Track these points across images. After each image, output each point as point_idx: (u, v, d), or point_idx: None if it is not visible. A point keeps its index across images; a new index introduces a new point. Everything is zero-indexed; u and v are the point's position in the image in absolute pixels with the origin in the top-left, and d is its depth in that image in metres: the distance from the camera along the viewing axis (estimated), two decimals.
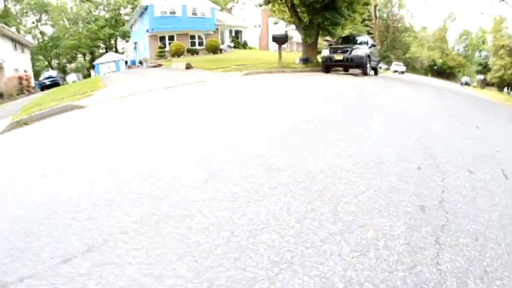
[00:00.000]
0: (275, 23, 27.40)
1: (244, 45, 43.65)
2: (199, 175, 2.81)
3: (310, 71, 16.70)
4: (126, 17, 59.82)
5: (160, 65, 26.67)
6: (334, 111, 5.63)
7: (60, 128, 6.85)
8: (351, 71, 17.77)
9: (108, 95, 10.79)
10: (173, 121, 5.34)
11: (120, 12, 65.20)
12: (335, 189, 2.46)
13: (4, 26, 33.88)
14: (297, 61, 19.85)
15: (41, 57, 61.72)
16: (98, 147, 4.45)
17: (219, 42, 39.05)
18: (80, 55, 66.03)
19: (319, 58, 18.67)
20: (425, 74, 71.88)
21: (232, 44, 42.34)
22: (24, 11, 61.52)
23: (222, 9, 47.41)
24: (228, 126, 4.57)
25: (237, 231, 2.03)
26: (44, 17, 63.34)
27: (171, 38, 37.79)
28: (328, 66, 16.61)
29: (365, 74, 15.90)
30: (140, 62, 35.56)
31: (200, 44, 39.27)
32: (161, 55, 34.80)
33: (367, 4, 23.48)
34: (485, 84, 59.51)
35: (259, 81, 11.11)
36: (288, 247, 1.87)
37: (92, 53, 65.80)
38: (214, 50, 35.57)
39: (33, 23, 63.78)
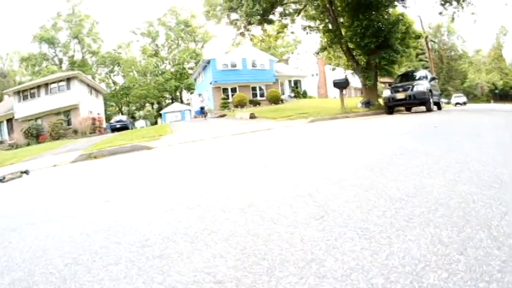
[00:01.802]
0: (333, 69, 27.16)
1: (304, 95, 43.79)
2: (309, 211, 2.17)
3: (373, 114, 16.04)
4: (190, 71, 63.56)
5: (224, 115, 26.98)
6: (420, 143, 4.90)
7: (127, 163, 6.89)
8: (414, 109, 16.99)
9: (176, 140, 10.78)
10: (250, 160, 4.82)
11: (184, 66, 69.73)
12: (476, 214, 1.89)
13: (81, 73, 37.95)
14: (359, 105, 19.21)
15: (112, 103, 67.95)
16: (170, 182, 4.07)
17: (280, 92, 39.77)
18: (148, 104, 71.40)
19: (380, 100, 18.03)
20: (487, 101, 66.56)
21: (292, 94, 42.84)
22: (99, 62, 68.57)
23: (279, 61, 48.47)
24: (319, 163, 3.97)
25: (393, 275, 1.31)
26: (116, 68, 70.22)
27: (234, 89, 38.98)
28: (390, 106, 15.73)
29: (429, 110, 14.91)
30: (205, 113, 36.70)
31: (261, 95, 39.99)
32: (225, 106, 35.67)
33: (418, 37, 22.86)
34: None
35: (327, 126, 10.53)
36: (466, 286, 1.22)
37: (159, 103, 71.00)
38: (276, 100, 36.09)
39: (107, 73, 70.69)
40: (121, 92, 67.54)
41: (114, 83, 70.73)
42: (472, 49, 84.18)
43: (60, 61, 65.72)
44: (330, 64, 28.99)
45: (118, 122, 34.87)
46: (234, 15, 22.12)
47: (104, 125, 37.74)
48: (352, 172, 3.25)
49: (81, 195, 3.93)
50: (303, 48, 61.65)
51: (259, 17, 19.84)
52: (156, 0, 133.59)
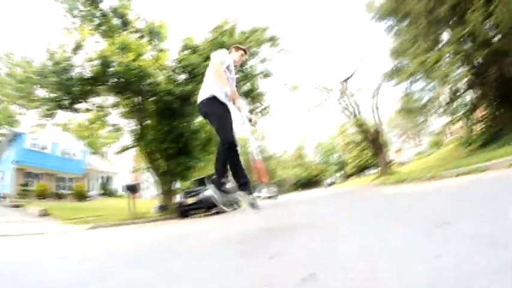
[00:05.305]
0: (134, 171, 27.41)
1: (113, 193, 41.45)
2: None
3: (165, 219, 16.38)
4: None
5: (20, 206, 24.20)
6: None
7: None
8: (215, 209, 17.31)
9: None
10: None
11: None
12: None
13: None
14: (153, 209, 19.42)
15: None
16: None
17: (87, 188, 36.90)
18: None
19: None
20: (296, 189, 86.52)
21: (99, 192, 40.38)
22: None
23: (94, 153, 46.42)
24: None
25: None
26: None
27: (38, 176, 34.40)
28: (183, 211, 16.43)
29: (220, 212, 16.02)
30: (3, 197, 32.34)
31: (68, 187, 36.26)
32: (25, 193, 30.90)
33: None
34: (346, 177, 77.59)
35: (96, 238, 9.95)
36: None
37: None
38: (81, 196, 33.21)
39: None
40: None
41: None
42: (280, 151, 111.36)
43: None
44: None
45: None
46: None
47: None
48: None
49: None
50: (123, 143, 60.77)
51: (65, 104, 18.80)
52: None
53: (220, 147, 4.71)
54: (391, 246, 2.63)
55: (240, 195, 4.75)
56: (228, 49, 5.43)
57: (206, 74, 4.95)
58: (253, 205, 4.83)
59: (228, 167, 4.87)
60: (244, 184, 4.75)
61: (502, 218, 2.76)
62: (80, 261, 4.62)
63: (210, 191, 15.00)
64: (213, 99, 4.68)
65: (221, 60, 4.78)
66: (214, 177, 4.85)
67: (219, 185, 4.76)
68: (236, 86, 5.23)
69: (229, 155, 4.74)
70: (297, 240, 3.76)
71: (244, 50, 5.42)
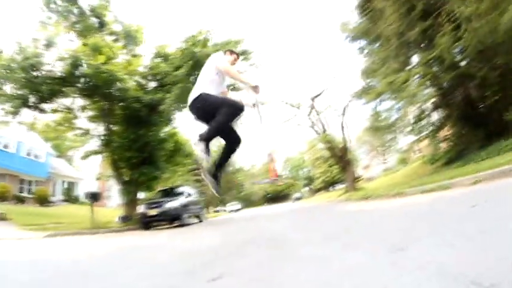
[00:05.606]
0: (98, 178, 26.32)
1: (76, 200, 39.11)
2: None
3: (127, 230, 15.69)
4: None
5: None
6: None
7: None
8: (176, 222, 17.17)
9: None
10: None
11: None
12: None
13: None
14: (117, 219, 18.65)
15: None
16: None
17: (50, 193, 34.93)
18: None
19: None
20: (263, 203, 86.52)
21: (63, 197, 38.42)
22: None
23: (59, 156, 44.40)
24: None
25: None
26: None
27: (4, 176, 31.16)
28: (144, 222, 15.72)
29: (183, 225, 15.62)
30: None
31: (30, 191, 33.81)
32: None
33: (190, 155, 23.68)
34: (313, 192, 78.19)
35: (50, 247, 9.46)
36: None
37: None
38: (43, 201, 31.33)
39: None
40: None
41: None
42: (249, 164, 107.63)
43: None
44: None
45: None
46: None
47: None
48: None
49: None
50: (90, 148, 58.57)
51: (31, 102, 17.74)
52: None
53: (227, 114, 4.39)
54: (343, 270, 2.46)
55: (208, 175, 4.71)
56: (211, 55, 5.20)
57: (202, 73, 4.74)
58: (216, 188, 4.79)
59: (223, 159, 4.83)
60: (217, 173, 4.76)
61: (461, 236, 2.65)
62: (21, 272, 4.38)
63: (176, 202, 14.69)
64: (208, 94, 4.52)
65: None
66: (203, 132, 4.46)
67: (206, 143, 4.41)
68: None
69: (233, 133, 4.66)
70: (246, 261, 3.60)
71: (237, 55, 5.31)
